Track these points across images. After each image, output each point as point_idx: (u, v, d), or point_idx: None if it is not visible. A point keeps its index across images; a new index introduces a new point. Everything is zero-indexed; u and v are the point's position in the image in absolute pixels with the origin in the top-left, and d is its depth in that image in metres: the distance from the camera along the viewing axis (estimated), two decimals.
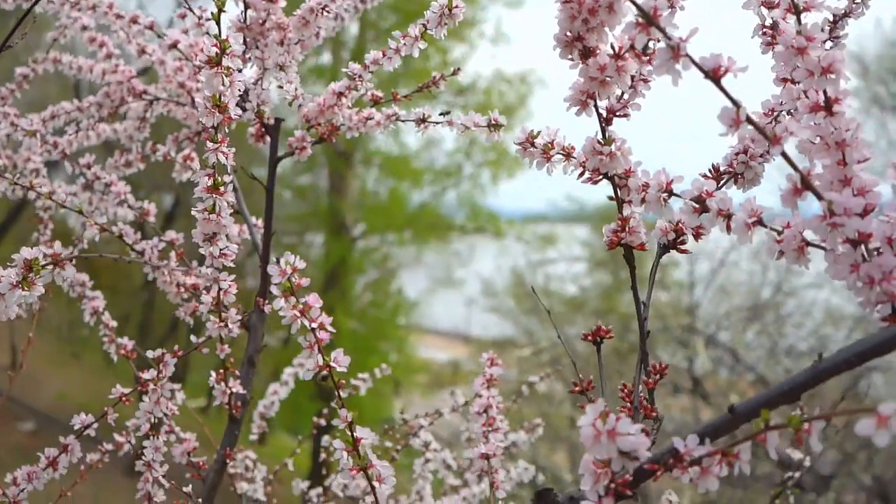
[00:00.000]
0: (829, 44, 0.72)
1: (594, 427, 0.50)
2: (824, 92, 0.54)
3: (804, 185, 0.52)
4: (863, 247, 0.53)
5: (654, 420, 0.62)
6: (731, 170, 0.69)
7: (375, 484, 0.65)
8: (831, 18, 0.73)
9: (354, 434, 0.65)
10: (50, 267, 0.68)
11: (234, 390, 0.98)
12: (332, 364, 0.64)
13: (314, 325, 0.63)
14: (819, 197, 0.51)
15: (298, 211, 11.81)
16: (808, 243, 0.55)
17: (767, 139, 0.51)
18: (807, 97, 0.56)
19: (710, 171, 0.70)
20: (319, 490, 1.38)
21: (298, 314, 0.62)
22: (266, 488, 1.34)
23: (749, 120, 0.51)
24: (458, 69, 1.02)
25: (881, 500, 5.96)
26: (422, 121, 0.96)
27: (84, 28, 1.20)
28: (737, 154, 0.69)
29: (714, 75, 0.51)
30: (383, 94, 1.01)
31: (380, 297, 11.79)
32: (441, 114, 0.95)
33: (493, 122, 0.84)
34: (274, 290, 0.62)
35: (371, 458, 0.65)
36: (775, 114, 0.70)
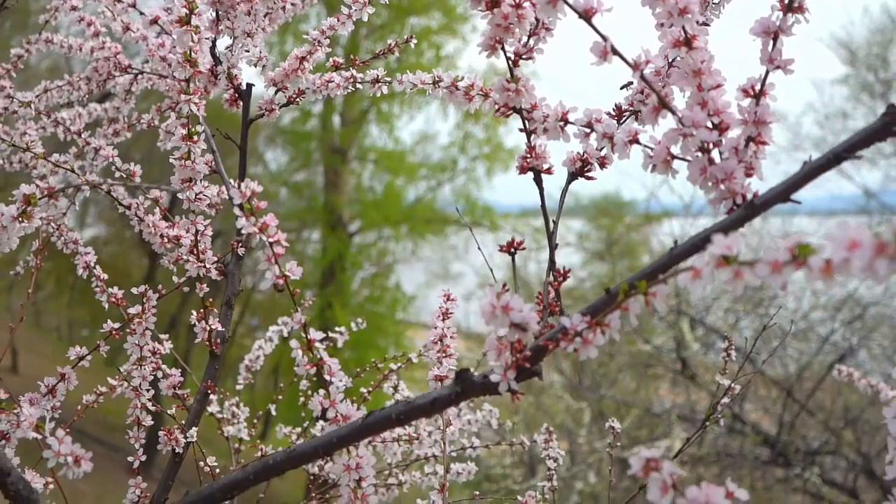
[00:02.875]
0: None
1: (491, 304, 0.62)
2: (683, 29, 0.65)
3: (661, 104, 0.63)
4: (715, 154, 0.64)
5: (559, 314, 0.74)
6: (631, 108, 0.80)
7: (327, 377, 0.76)
8: None
9: (309, 335, 0.77)
10: (45, 199, 0.79)
11: (213, 328, 1.09)
12: (288, 273, 0.75)
13: (272, 240, 0.74)
14: (673, 113, 0.63)
15: (295, 208, 11.92)
16: (674, 156, 0.66)
17: (630, 66, 0.62)
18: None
19: (613, 108, 0.81)
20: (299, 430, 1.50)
21: (258, 230, 0.73)
22: (249, 431, 1.46)
23: (614, 51, 0.62)
24: (412, 37, 1.13)
25: (867, 475, 6.09)
26: (376, 81, 1.07)
27: (73, 8, 1.31)
28: (636, 94, 0.80)
29: (587, 15, 0.62)
30: (343, 61, 1.12)
31: (377, 292, 11.89)
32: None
33: (436, 79, 0.95)
34: (236, 210, 0.73)
35: (323, 356, 0.77)
36: (670, 59, 0.81)
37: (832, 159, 0.57)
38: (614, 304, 0.60)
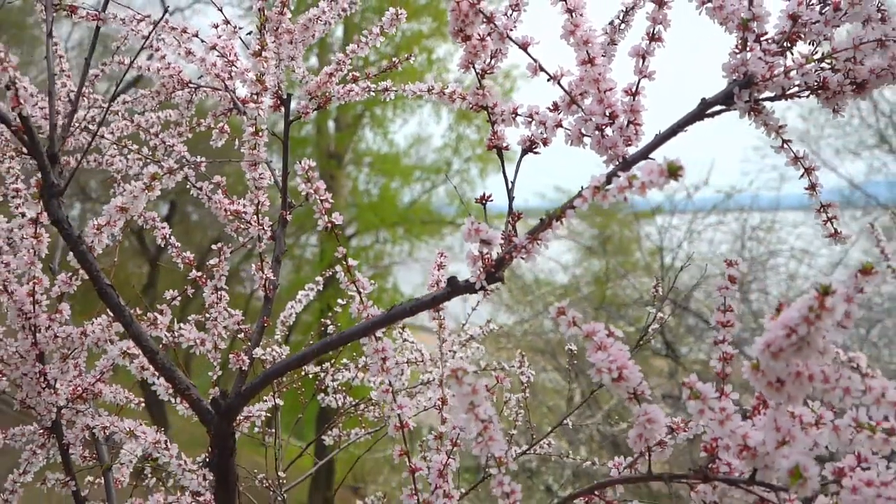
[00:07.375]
0: (622, 25, 1.21)
1: (468, 228, 0.98)
2: (587, 52, 1.02)
3: (571, 101, 1.00)
4: (609, 132, 1.01)
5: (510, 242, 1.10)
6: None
7: (361, 289, 1.13)
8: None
9: (348, 262, 1.14)
10: (167, 175, 1.16)
11: (268, 277, 1.46)
12: (333, 220, 1.12)
13: (322, 198, 1.11)
14: (579, 107, 1.00)
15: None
16: (583, 134, 1.03)
17: (550, 77, 0.99)
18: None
19: (552, 104, 1.18)
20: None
21: (313, 192, 1.10)
22: None
23: (541, 68, 0.99)
24: (411, 55, 1.51)
25: None
26: (386, 90, 1.45)
27: (144, 38, 1.67)
28: (562, 97, 1.17)
29: (523, 46, 0.99)
30: (359, 74, 1.49)
31: (375, 294, 12.23)
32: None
33: (430, 87, 1.32)
34: (298, 178, 1.10)
35: (357, 276, 1.14)
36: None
37: (670, 132, 0.94)
38: (545, 226, 0.97)
